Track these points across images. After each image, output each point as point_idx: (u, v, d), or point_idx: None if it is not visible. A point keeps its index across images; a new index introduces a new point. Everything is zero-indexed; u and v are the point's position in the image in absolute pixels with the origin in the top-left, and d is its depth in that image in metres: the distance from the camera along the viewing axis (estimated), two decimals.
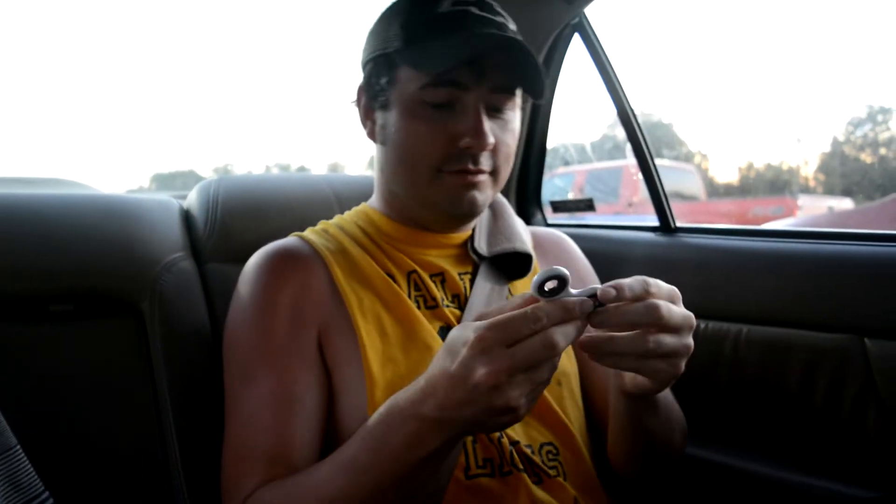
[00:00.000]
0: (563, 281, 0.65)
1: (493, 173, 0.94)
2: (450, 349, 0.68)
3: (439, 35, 0.90)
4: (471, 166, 0.91)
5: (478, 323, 0.66)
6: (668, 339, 0.68)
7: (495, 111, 0.92)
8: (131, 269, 1.10)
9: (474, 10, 0.91)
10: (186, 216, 1.24)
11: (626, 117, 1.46)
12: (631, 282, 0.68)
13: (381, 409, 0.75)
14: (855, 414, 1.15)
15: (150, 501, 1.02)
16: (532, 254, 1.04)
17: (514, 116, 0.96)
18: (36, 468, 0.80)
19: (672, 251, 1.43)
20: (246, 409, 0.88)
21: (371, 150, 1.03)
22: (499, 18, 0.93)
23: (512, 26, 0.94)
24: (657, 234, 1.48)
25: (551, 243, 1.15)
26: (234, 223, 1.21)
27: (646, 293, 0.67)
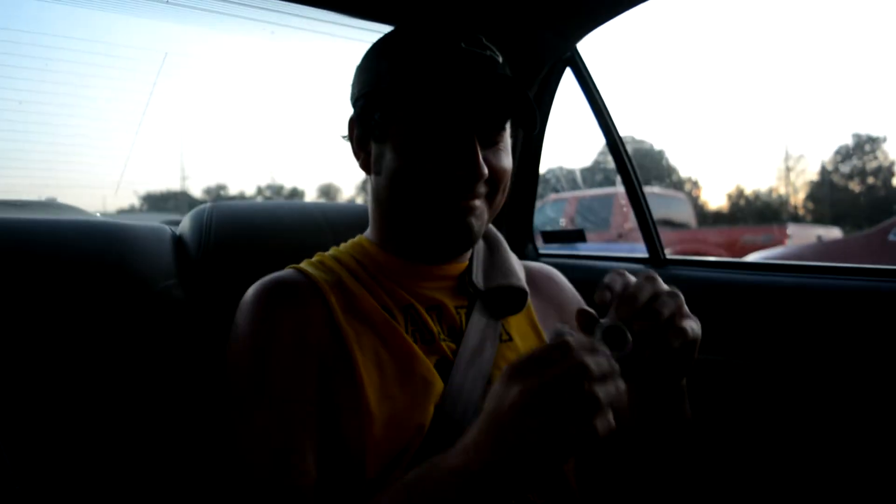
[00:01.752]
0: (622, 335, 0.72)
1: (489, 200, 0.95)
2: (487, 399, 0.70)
3: (429, 72, 0.91)
4: (467, 197, 0.92)
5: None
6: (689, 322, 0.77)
7: (489, 140, 0.93)
8: (123, 296, 1.09)
9: (463, 45, 0.92)
10: (179, 243, 1.24)
11: (616, 150, 1.48)
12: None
13: (418, 471, 0.74)
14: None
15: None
16: (527, 290, 1.05)
17: (507, 146, 0.97)
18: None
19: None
20: (244, 444, 0.87)
21: (363, 172, 1.04)
22: (487, 52, 0.93)
23: (500, 59, 0.95)
24: (647, 266, 1.49)
25: (544, 278, 1.16)
26: (226, 251, 1.21)
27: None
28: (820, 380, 1.18)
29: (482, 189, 0.93)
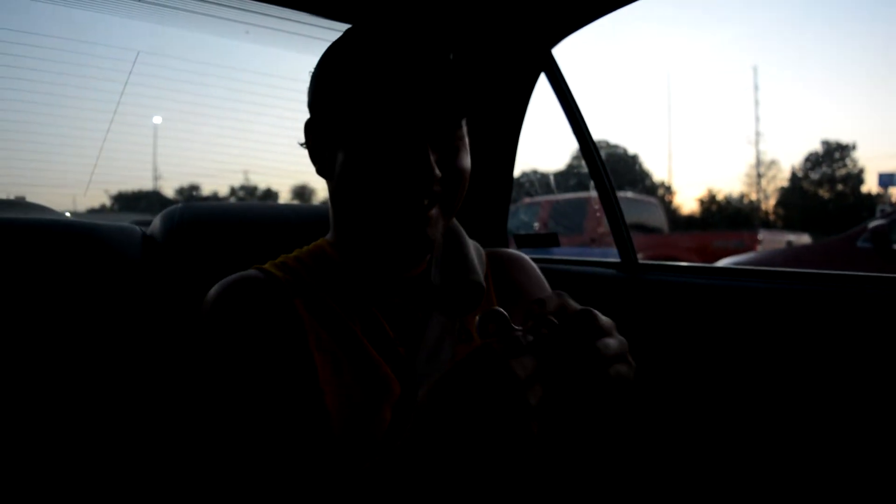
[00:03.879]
0: (503, 319, 0.70)
1: (447, 203, 0.94)
2: None
3: (377, 73, 0.90)
4: (419, 201, 0.90)
5: None
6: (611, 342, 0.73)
7: (442, 142, 0.92)
8: (91, 296, 1.08)
9: (412, 45, 0.91)
10: (149, 243, 1.22)
11: (589, 154, 1.49)
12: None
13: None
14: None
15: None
16: (483, 285, 1.04)
17: (465, 141, 0.96)
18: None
19: (634, 288, 1.44)
20: (225, 438, 0.86)
21: None
22: (436, 50, 0.92)
23: (451, 55, 0.94)
24: (620, 271, 1.50)
25: (513, 265, 1.14)
26: (197, 253, 1.20)
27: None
28: (791, 382, 1.20)
29: (437, 192, 0.91)
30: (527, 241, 1.73)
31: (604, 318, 0.74)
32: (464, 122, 0.95)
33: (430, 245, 0.94)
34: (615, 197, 1.48)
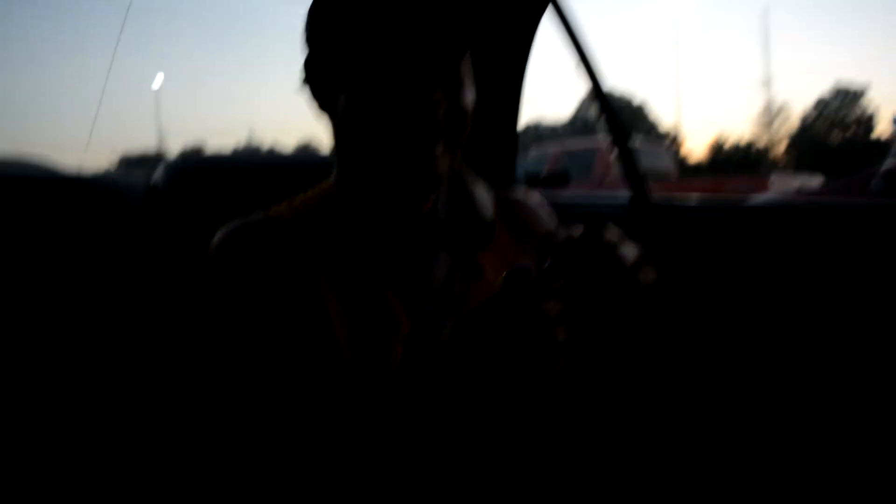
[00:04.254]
0: (527, 273, 0.73)
1: (451, 140, 0.91)
2: None
3: (378, 5, 0.87)
4: (425, 137, 0.88)
5: None
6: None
7: (445, 77, 0.89)
8: (96, 249, 1.07)
9: None
10: (153, 196, 1.21)
11: (599, 94, 1.45)
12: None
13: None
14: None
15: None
16: (492, 222, 1.02)
17: (468, 77, 0.93)
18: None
19: (647, 226, 1.42)
20: (237, 395, 0.85)
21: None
22: None
23: None
24: (632, 209, 1.48)
25: (524, 207, 1.12)
26: (202, 204, 1.18)
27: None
28: (801, 320, 1.18)
29: (442, 128, 0.89)
30: (536, 183, 1.71)
31: (612, 231, 0.76)
32: (467, 56, 0.93)
33: (436, 182, 0.93)
34: (625, 133, 1.45)
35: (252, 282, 0.89)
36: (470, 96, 0.93)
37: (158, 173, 1.24)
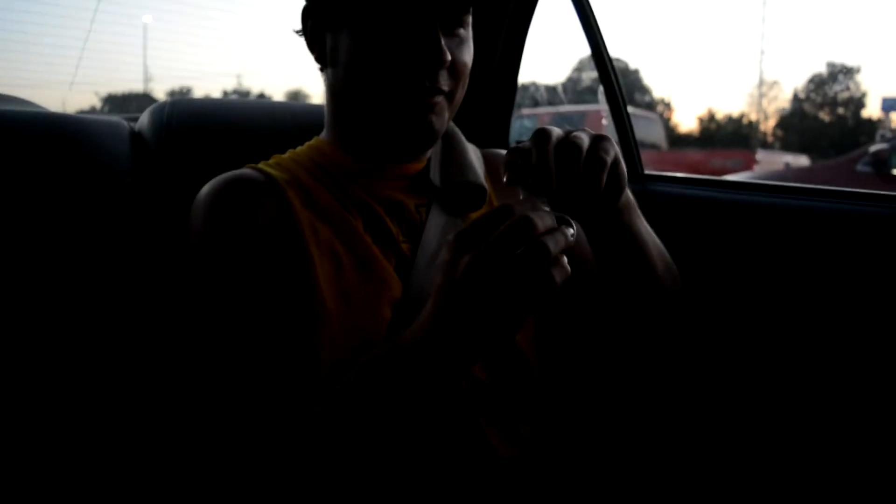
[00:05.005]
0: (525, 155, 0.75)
1: (449, 95, 0.91)
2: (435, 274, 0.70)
3: None
4: (427, 84, 0.87)
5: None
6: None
7: (451, 28, 0.89)
8: (77, 194, 1.04)
9: None
10: (136, 138, 1.17)
11: (601, 61, 1.43)
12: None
13: (380, 350, 0.76)
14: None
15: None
16: (486, 186, 1.02)
17: (469, 35, 0.93)
18: None
19: (640, 200, 1.41)
20: (221, 347, 0.84)
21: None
22: None
23: None
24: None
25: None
26: (187, 150, 1.15)
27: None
28: (799, 303, 1.18)
29: (444, 81, 0.89)
30: None
31: (556, 130, 0.77)
32: (470, 11, 0.91)
33: (434, 135, 0.92)
34: (625, 105, 1.43)
35: (238, 237, 0.88)
36: (469, 54, 0.93)
37: (144, 119, 1.20)
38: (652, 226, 1.26)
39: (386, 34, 0.86)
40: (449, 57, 0.86)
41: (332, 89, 0.97)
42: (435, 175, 1.00)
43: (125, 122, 1.19)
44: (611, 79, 1.42)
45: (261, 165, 0.98)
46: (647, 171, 1.48)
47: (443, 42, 0.85)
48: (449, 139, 1.07)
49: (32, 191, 1.02)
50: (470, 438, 0.90)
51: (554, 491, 1.00)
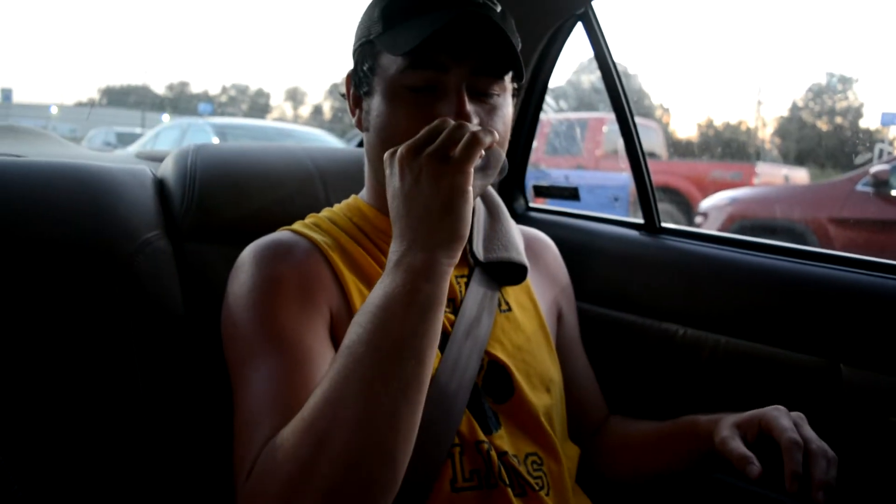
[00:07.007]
0: None
1: (484, 166, 0.91)
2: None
3: (416, 17, 0.87)
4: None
5: None
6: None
7: (481, 95, 0.89)
8: (103, 247, 1.03)
9: None
10: (161, 189, 1.17)
11: (623, 121, 1.43)
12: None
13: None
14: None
15: (123, 476, 0.98)
16: (527, 265, 1.03)
17: (505, 102, 0.93)
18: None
19: (655, 252, 1.42)
20: (254, 388, 0.83)
21: (333, 77, 1.00)
22: (482, 1, 0.89)
23: (497, 8, 0.91)
24: (641, 232, 1.47)
25: (541, 247, 1.17)
26: (212, 199, 1.15)
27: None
28: (807, 367, 1.18)
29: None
30: (546, 193, 1.69)
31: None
32: (507, 78, 0.91)
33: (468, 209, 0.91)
34: (644, 159, 1.44)
35: (289, 293, 0.88)
36: (503, 122, 0.92)
37: (167, 167, 1.20)
38: (664, 278, 1.28)
39: (411, 99, 0.87)
40: (476, 121, 0.86)
41: (368, 152, 0.98)
42: (478, 248, 1.01)
43: (148, 171, 1.19)
44: (632, 135, 1.43)
45: (298, 227, 0.98)
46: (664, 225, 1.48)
47: (469, 108, 0.86)
48: (493, 210, 1.08)
49: (55, 243, 1.01)
50: None
51: None
